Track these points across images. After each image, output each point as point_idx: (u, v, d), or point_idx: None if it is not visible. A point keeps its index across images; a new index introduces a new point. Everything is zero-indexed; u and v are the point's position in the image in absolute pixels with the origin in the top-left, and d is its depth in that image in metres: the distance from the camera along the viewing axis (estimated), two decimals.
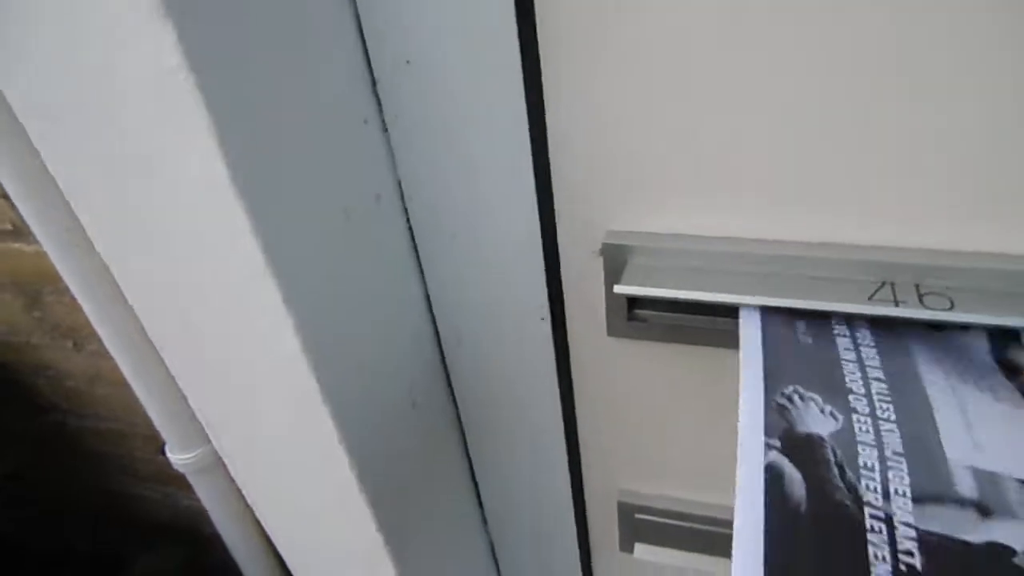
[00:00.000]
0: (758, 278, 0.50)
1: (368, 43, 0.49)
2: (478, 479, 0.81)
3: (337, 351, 0.50)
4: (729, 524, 0.71)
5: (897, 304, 0.45)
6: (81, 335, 0.90)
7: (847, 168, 0.46)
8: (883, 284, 0.47)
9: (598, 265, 0.56)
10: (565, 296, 0.60)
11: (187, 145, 0.38)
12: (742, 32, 0.42)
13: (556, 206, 0.54)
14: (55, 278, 0.82)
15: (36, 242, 0.79)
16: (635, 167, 0.50)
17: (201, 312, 0.48)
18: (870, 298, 0.46)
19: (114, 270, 0.49)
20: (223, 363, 0.51)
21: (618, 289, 0.50)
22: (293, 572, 0.73)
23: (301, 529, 0.66)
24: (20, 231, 0.78)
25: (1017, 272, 0.45)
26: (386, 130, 0.53)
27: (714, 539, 0.74)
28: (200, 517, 1.18)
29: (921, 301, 0.45)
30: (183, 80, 0.36)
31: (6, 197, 0.75)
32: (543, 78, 0.48)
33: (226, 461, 0.62)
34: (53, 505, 1.21)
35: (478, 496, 0.83)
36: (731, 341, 0.49)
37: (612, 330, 0.59)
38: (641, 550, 0.79)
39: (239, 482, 0.64)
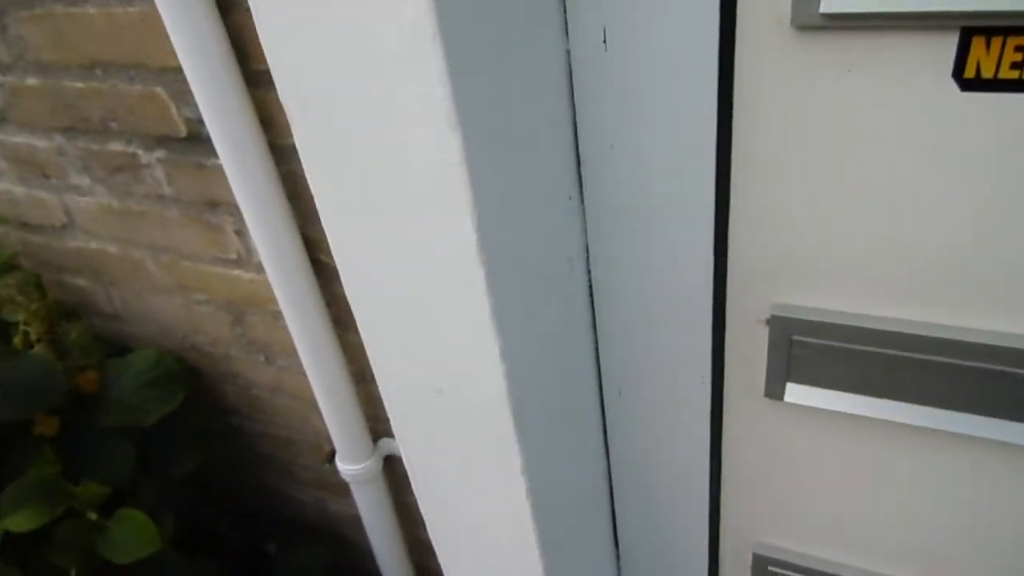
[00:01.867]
0: (918, 372, 0.56)
1: (579, 130, 0.58)
2: (616, 510, 0.87)
3: (530, 394, 0.58)
4: None
5: None
6: (273, 351, 1.03)
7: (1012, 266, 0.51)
8: None
9: (763, 332, 0.62)
10: (726, 358, 0.66)
11: (451, 218, 0.47)
12: (913, 157, 0.48)
13: (728, 279, 0.61)
14: (262, 302, 0.95)
15: (253, 271, 0.93)
16: (806, 249, 0.56)
17: (426, 352, 0.57)
18: None
19: (355, 306, 0.59)
20: (436, 397, 0.60)
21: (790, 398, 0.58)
22: None
23: (468, 546, 0.74)
24: (241, 261, 0.92)
25: None
26: (583, 202, 0.62)
27: None
28: (345, 523, 1.29)
29: None
30: (458, 172, 0.45)
31: (237, 233, 0.89)
32: (732, 168, 0.55)
33: (411, 475, 0.71)
34: (219, 498, 1.36)
35: (615, 532, 0.89)
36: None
37: (770, 392, 0.64)
38: None
39: (418, 493, 0.73)
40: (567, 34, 0.53)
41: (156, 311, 1.10)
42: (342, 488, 1.17)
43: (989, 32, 0.43)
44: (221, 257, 0.93)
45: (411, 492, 0.72)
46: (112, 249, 1.04)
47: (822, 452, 0.68)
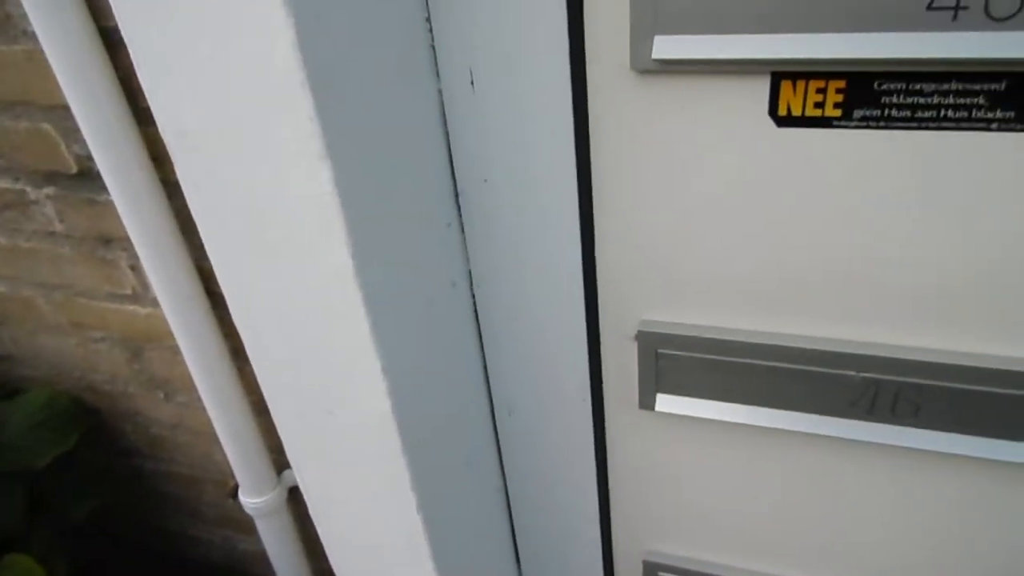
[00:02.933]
0: (771, 378, 0.62)
1: (455, 164, 0.62)
2: (516, 533, 0.90)
3: (416, 411, 0.62)
4: None
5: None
6: (173, 387, 1.02)
7: (842, 276, 0.57)
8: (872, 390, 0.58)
9: (633, 347, 0.67)
10: (604, 374, 0.70)
11: (326, 241, 0.51)
12: (747, 190, 0.55)
13: (599, 300, 0.66)
14: (160, 336, 0.95)
15: (150, 305, 0.93)
16: (665, 268, 0.62)
17: (312, 375, 0.60)
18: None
19: (244, 334, 0.61)
20: (325, 416, 0.62)
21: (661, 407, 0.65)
22: None
23: (366, 567, 0.76)
24: (137, 296, 0.92)
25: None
26: (463, 231, 0.66)
27: None
28: (254, 561, 1.27)
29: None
30: (330, 200, 0.48)
31: (132, 268, 0.89)
32: (593, 198, 0.60)
33: (307, 499, 0.72)
34: (123, 541, 1.32)
35: (515, 548, 0.92)
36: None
37: (643, 403, 0.69)
38: None
39: (315, 517, 0.74)
40: (438, 75, 0.58)
41: (50, 350, 1.08)
42: (248, 524, 1.16)
43: (794, 76, 0.49)
44: (116, 293, 0.93)
45: None
46: (0, 289, 1.02)
47: (697, 459, 0.73)
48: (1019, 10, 0.43)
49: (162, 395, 1.04)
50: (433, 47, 0.56)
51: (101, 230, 0.86)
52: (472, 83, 0.57)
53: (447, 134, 0.60)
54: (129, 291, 0.91)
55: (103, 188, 0.79)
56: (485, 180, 0.62)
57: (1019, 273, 0.53)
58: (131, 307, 0.93)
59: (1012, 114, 0.47)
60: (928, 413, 0.60)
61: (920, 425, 0.61)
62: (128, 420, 1.12)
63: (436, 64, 0.57)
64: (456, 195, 0.64)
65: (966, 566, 0.69)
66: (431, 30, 0.56)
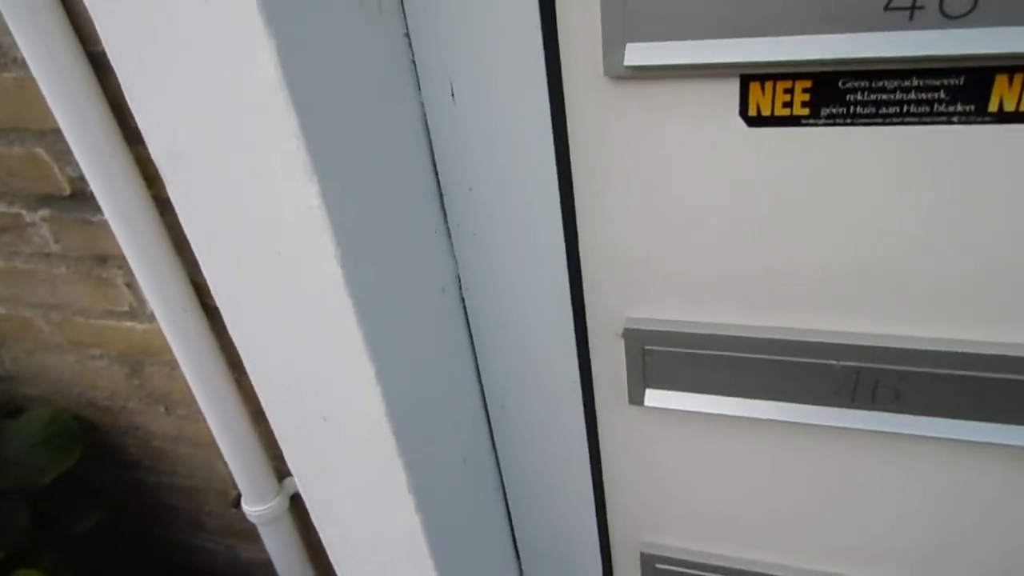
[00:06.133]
0: (754, 370, 0.64)
1: (440, 173, 0.64)
2: (515, 528, 0.92)
3: (410, 414, 0.63)
4: (742, 573, 0.81)
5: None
6: (173, 400, 1.03)
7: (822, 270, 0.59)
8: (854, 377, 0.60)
9: (620, 344, 0.69)
10: (593, 371, 0.72)
11: (315, 253, 0.52)
12: (725, 181, 0.56)
13: (585, 299, 0.68)
14: (159, 351, 0.96)
15: (147, 321, 0.95)
16: (648, 266, 0.64)
17: (308, 383, 0.61)
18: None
19: (240, 346, 0.63)
20: (322, 423, 0.64)
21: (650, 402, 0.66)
22: None
23: (369, 568, 0.77)
24: (134, 312, 0.93)
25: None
26: (450, 238, 0.67)
27: None
28: (258, 569, 1.29)
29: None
30: (319, 214, 0.50)
31: (128, 285, 0.91)
32: (575, 201, 0.62)
33: (308, 505, 0.74)
34: (127, 553, 1.33)
35: (515, 543, 0.93)
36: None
37: (632, 398, 0.71)
38: None
39: (317, 523, 0.76)
40: (419, 88, 0.59)
41: (50, 369, 1.09)
42: (251, 533, 1.17)
43: (761, 78, 0.51)
44: (113, 310, 0.94)
45: None
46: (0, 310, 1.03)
47: (687, 450, 0.75)
48: (972, 8, 0.45)
49: (162, 409, 1.06)
50: (414, 62, 0.58)
51: (96, 249, 0.87)
52: (453, 95, 0.59)
53: (431, 145, 0.62)
54: (126, 308, 0.93)
55: (96, 208, 0.81)
56: (470, 188, 0.63)
57: (988, 258, 0.55)
58: (128, 324, 0.95)
59: (972, 107, 0.49)
60: (908, 399, 0.62)
61: (901, 410, 0.63)
62: (129, 435, 1.14)
63: (417, 78, 0.59)
64: (442, 203, 0.65)
65: (952, 547, 0.71)
66: (410, 45, 0.57)
